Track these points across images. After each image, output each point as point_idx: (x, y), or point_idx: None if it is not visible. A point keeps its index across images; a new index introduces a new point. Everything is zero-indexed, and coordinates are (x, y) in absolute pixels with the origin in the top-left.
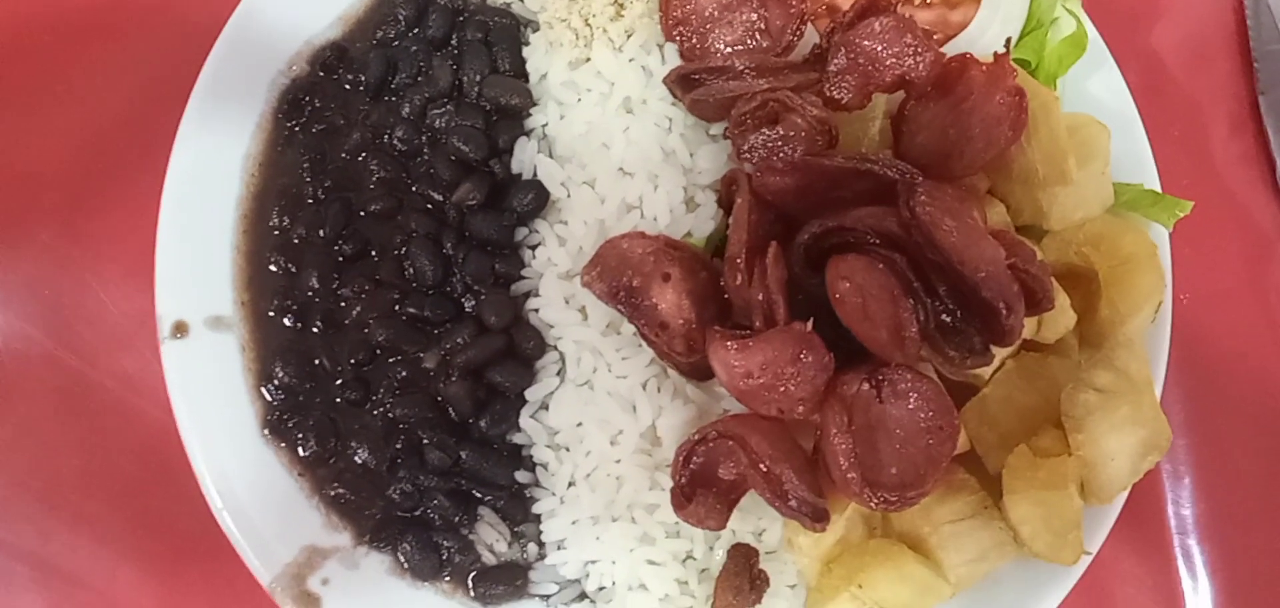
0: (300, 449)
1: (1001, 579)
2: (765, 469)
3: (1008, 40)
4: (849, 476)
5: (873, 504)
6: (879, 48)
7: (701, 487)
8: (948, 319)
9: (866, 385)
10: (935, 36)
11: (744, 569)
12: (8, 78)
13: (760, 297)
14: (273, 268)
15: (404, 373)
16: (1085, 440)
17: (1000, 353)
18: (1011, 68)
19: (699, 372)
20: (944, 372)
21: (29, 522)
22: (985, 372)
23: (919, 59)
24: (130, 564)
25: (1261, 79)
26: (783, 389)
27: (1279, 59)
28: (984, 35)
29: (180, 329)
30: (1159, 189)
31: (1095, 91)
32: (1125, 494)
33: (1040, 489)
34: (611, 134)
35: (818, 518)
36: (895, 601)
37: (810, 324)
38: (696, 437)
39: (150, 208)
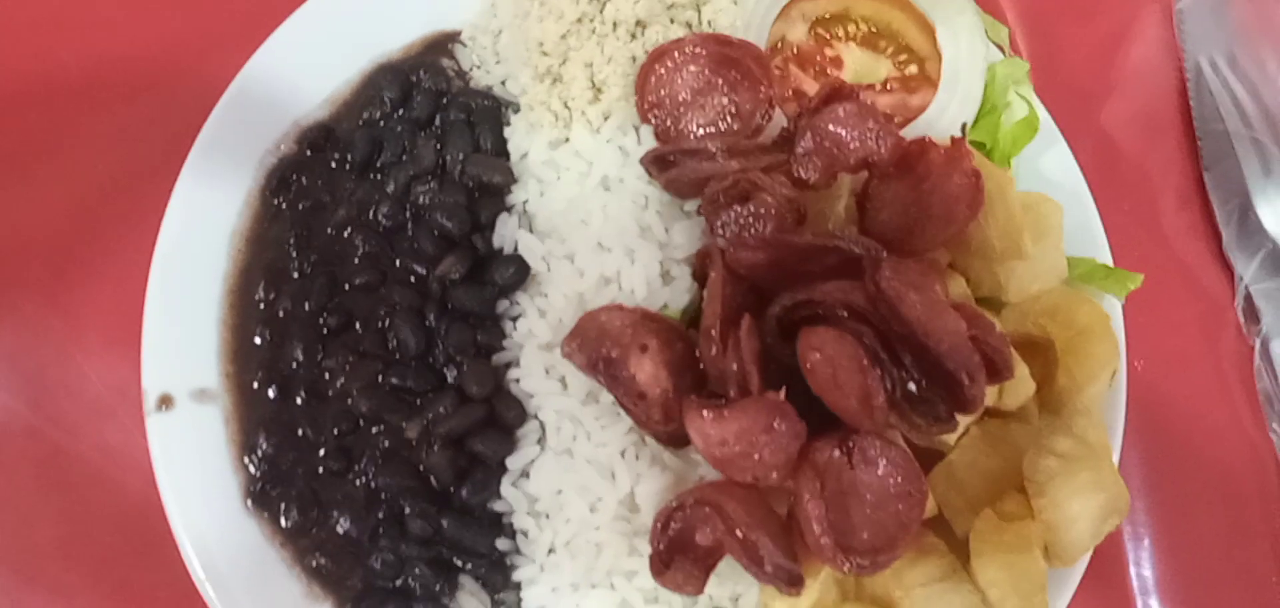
0: (283, 520)
1: None
2: (741, 535)
3: (964, 124)
4: (822, 540)
5: (846, 568)
6: (843, 132)
7: (679, 553)
8: (913, 388)
9: (838, 452)
10: (896, 120)
11: None
12: None
13: (734, 367)
14: (258, 341)
15: (386, 443)
16: (1048, 505)
17: (964, 420)
18: (968, 150)
19: (676, 440)
20: (912, 438)
21: (5, 594)
22: (950, 438)
23: (881, 142)
24: None
25: (1205, 155)
26: (757, 456)
27: (1221, 137)
28: (942, 118)
29: (165, 402)
30: (1111, 262)
31: (1048, 170)
32: (1088, 557)
33: (1006, 552)
34: (590, 210)
35: (792, 583)
36: None
37: (783, 393)
38: (674, 503)
39: (133, 280)
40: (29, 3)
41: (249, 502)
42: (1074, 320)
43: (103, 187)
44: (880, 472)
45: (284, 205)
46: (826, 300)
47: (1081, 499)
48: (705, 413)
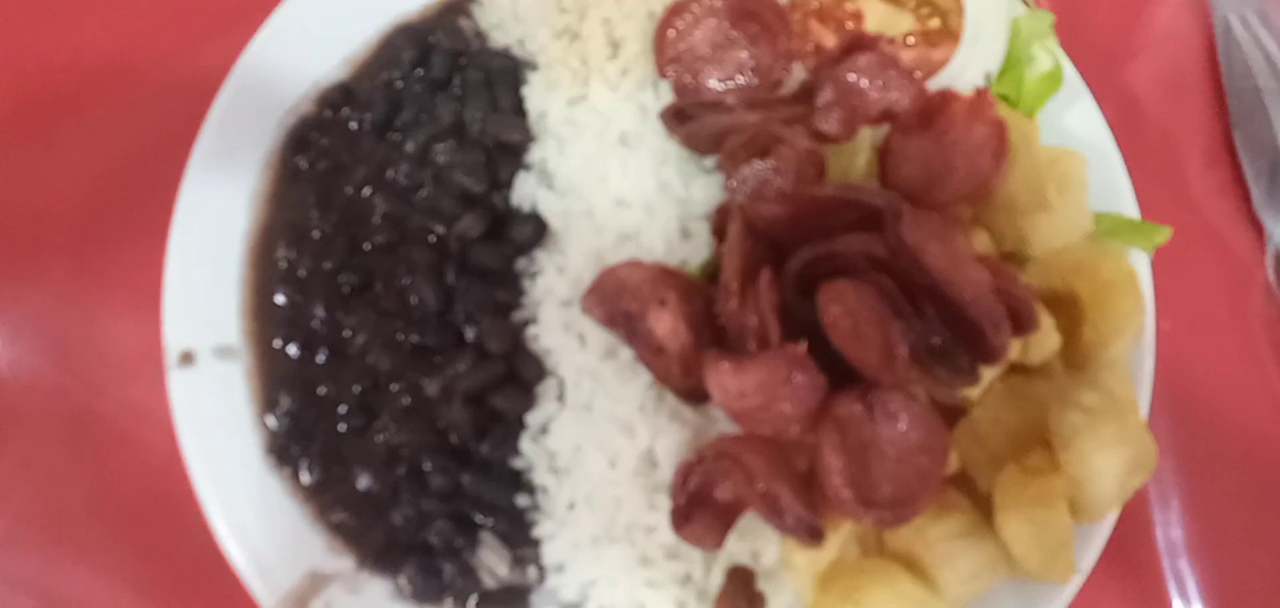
0: (304, 476)
1: (993, 600)
2: (762, 488)
3: (988, 75)
4: (843, 493)
5: (868, 521)
6: (864, 83)
7: (700, 507)
8: (936, 340)
9: (859, 406)
10: (917, 74)
11: (742, 590)
12: (22, 116)
13: (754, 320)
14: (279, 300)
15: (407, 400)
16: (1073, 459)
17: (987, 375)
18: (991, 101)
19: (695, 395)
20: (933, 394)
21: (33, 552)
22: (973, 394)
23: (903, 93)
24: (134, 593)
25: (1234, 113)
26: (777, 409)
27: (1251, 94)
28: (964, 72)
29: (187, 358)
30: (1138, 217)
31: (1072, 125)
32: (1115, 515)
33: (1030, 506)
34: (609, 168)
35: (813, 535)
36: None
37: (804, 347)
38: (694, 457)
39: (159, 243)
40: None
41: (270, 458)
42: (1099, 274)
43: (127, 150)
44: (902, 426)
45: (304, 166)
46: (847, 253)
47: (1107, 454)
48: (725, 364)
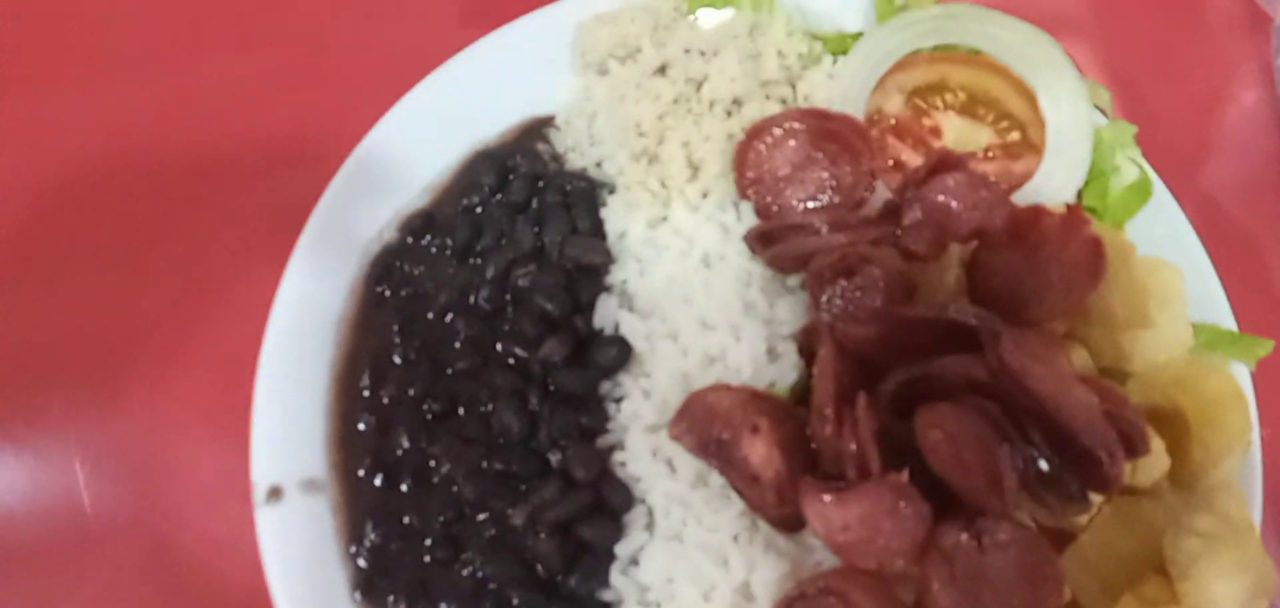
0: None
1: None
2: None
3: (1079, 191)
4: None
5: None
6: (953, 202)
7: None
8: (1044, 466)
9: (965, 536)
10: (1001, 188)
11: None
12: (103, 242)
13: (852, 447)
14: (362, 427)
15: (493, 530)
16: (1192, 589)
17: (1096, 500)
18: (1086, 216)
19: (790, 524)
20: (1039, 520)
21: None
22: (1081, 519)
23: (994, 211)
24: None
25: None
26: (881, 542)
27: None
28: (1048, 184)
29: (275, 494)
30: (1235, 328)
31: (1160, 235)
32: None
33: None
34: (692, 288)
35: None
36: None
37: (906, 474)
38: (795, 592)
39: (236, 369)
40: (138, 98)
41: (357, 595)
42: (1205, 391)
43: (207, 276)
44: (1012, 556)
45: (387, 293)
46: (945, 375)
47: (1227, 581)
48: (826, 497)
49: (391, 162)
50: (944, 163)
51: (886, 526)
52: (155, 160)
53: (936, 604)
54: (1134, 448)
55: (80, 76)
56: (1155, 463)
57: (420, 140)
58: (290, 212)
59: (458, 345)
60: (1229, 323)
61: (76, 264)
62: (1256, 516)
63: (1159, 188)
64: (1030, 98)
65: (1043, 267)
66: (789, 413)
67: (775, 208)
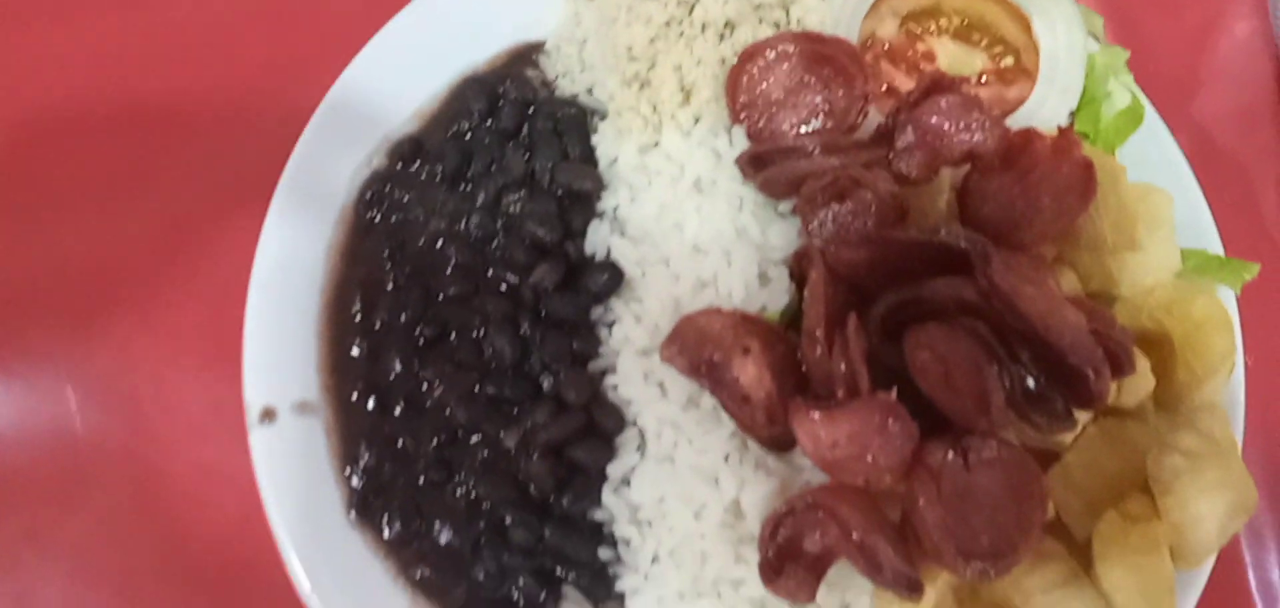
0: (385, 531)
1: None
2: (857, 539)
3: (1071, 114)
4: (943, 545)
5: (969, 574)
6: (946, 124)
7: (790, 559)
8: (1031, 385)
9: (953, 454)
10: (994, 112)
11: None
12: (87, 174)
13: (842, 367)
14: (355, 353)
15: (485, 453)
16: (1175, 505)
17: (1081, 419)
18: (1078, 139)
19: (780, 443)
20: (1025, 439)
21: None
22: (1066, 438)
23: (986, 134)
24: None
25: None
26: (869, 459)
27: None
28: (1041, 109)
29: (268, 415)
30: (1223, 254)
31: (1151, 160)
32: (1213, 560)
33: (1133, 554)
34: (684, 214)
35: (912, 589)
36: None
37: (894, 393)
38: (784, 508)
39: (225, 300)
40: (121, 31)
41: (352, 513)
42: (1191, 314)
43: (193, 209)
44: (998, 474)
45: (376, 219)
46: (935, 298)
47: (1209, 497)
48: (815, 414)
49: (379, 88)
50: (937, 85)
51: (875, 443)
52: (139, 93)
53: (923, 520)
54: (1120, 367)
55: (61, 8)
56: (1140, 384)
57: (408, 66)
58: (277, 141)
59: (449, 272)
60: (1217, 250)
61: (63, 199)
62: (1238, 440)
63: (1150, 114)
64: (1024, 23)
65: (1034, 190)
66: (779, 336)
67: (768, 132)
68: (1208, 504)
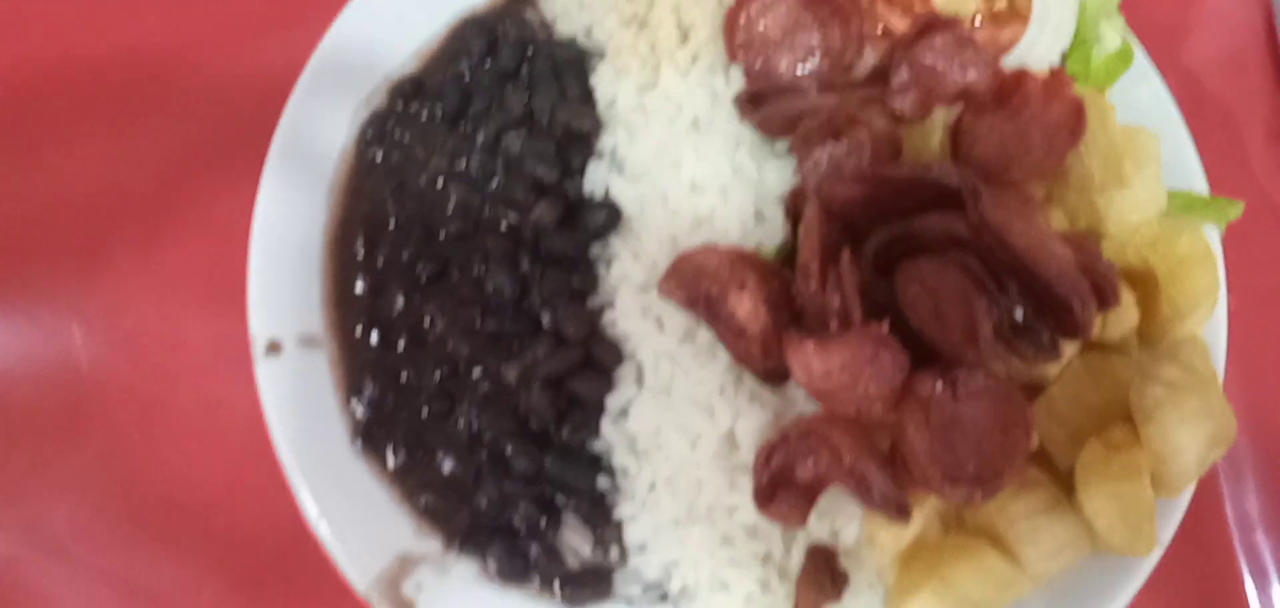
0: (390, 460)
1: (1072, 576)
2: (849, 465)
3: (1062, 55)
4: (931, 471)
5: (955, 498)
6: (940, 63)
7: (782, 486)
8: (1019, 317)
9: (941, 385)
10: (987, 53)
11: (824, 568)
12: (91, 109)
13: (836, 300)
14: (358, 290)
15: (486, 386)
16: (1156, 433)
17: (1067, 352)
18: (1068, 79)
19: (774, 376)
20: (1011, 371)
21: (115, 544)
22: (1051, 371)
23: (979, 73)
24: (215, 582)
25: None
26: (861, 389)
27: None
28: (1033, 51)
29: (274, 348)
30: (1208, 194)
31: (1140, 103)
32: (1192, 489)
33: (1114, 482)
34: (681, 153)
35: (901, 512)
36: (977, 594)
37: (886, 325)
38: (778, 436)
39: (227, 237)
40: None
41: (358, 443)
42: (1176, 250)
43: (197, 145)
44: (984, 404)
45: (378, 158)
46: (926, 233)
47: (1190, 427)
48: (809, 345)
49: (380, 28)
50: (932, 25)
51: (866, 373)
52: (143, 30)
53: (912, 449)
54: (1105, 298)
55: None
56: (1124, 318)
57: (408, 6)
58: (281, 79)
59: (450, 210)
60: (1203, 191)
61: (67, 136)
62: (1219, 374)
63: (1140, 57)
64: None
65: (1025, 128)
66: (775, 272)
67: (765, 72)
68: (1188, 433)
